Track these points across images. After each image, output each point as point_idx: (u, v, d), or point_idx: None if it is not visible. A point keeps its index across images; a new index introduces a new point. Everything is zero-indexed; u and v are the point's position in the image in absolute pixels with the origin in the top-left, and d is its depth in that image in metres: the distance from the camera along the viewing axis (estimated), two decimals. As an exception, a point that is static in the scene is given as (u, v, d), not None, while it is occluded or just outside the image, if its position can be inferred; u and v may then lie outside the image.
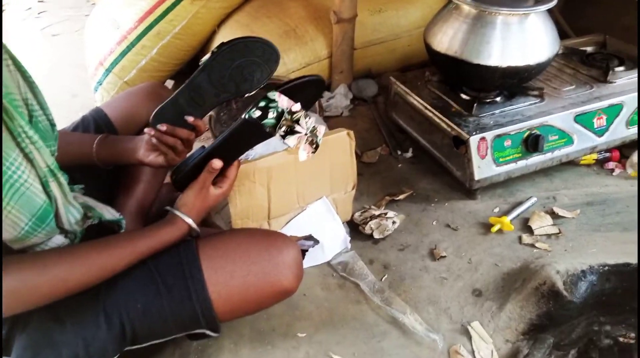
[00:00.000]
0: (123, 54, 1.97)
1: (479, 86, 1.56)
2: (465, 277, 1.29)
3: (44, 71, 2.36)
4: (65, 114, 2.00)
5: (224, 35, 2.03)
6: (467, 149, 1.45)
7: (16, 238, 0.80)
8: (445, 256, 1.34)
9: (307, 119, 0.95)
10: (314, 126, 0.97)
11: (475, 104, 1.53)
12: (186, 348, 1.13)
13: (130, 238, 0.91)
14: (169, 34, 1.96)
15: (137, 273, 0.91)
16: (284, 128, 0.93)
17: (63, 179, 0.87)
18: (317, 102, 1.72)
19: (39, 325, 0.85)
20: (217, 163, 0.97)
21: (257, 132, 0.95)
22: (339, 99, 1.96)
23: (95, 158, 1.11)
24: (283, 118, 0.92)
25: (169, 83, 2.05)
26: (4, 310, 0.76)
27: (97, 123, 1.26)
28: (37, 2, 2.99)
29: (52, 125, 0.92)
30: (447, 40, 1.50)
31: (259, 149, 1.51)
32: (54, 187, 0.85)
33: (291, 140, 0.95)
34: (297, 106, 0.93)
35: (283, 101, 0.93)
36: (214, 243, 0.96)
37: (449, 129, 1.51)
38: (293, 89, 0.97)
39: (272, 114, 0.92)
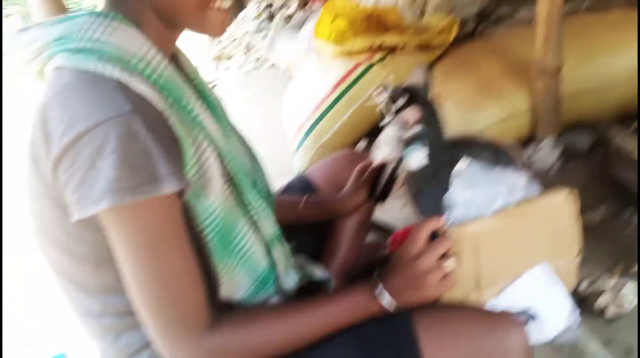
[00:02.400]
0: (319, 119, 2.08)
1: None
2: None
3: (248, 136, 2.58)
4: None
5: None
6: None
7: (241, 299, 0.83)
8: None
9: None
10: None
11: None
12: None
13: (329, 304, 0.81)
14: (360, 98, 2.03)
15: (348, 344, 0.82)
16: None
17: (286, 247, 0.89)
18: (520, 160, 1.59)
19: None
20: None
21: None
22: (544, 153, 1.79)
23: (300, 216, 1.13)
24: None
25: (362, 143, 2.10)
26: None
27: (302, 188, 1.30)
28: (243, 75, 3.36)
29: (269, 193, 0.95)
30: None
31: (461, 213, 1.43)
32: (277, 252, 0.87)
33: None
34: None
35: None
36: (432, 321, 0.84)
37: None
38: None
39: None
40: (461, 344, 0.83)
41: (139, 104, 0.66)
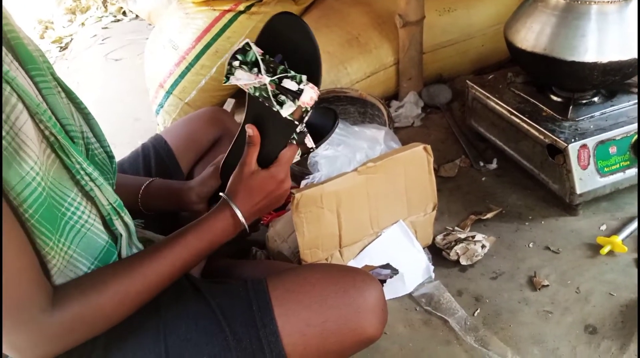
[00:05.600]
0: (182, 75, 1.93)
1: (574, 85, 1.37)
2: (575, 310, 1.10)
3: (108, 96, 2.37)
4: (128, 139, 1.97)
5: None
6: (565, 158, 1.26)
7: None
8: (547, 285, 1.16)
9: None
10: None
11: (570, 107, 1.34)
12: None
13: (179, 236, 0.81)
14: (227, 51, 1.90)
15: (202, 321, 0.81)
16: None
17: (128, 218, 0.79)
18: (385, 114, 1.58)
19: None
20: (249, 130, 0.84)
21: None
22: (408, 108, 1.81)
23: (140, 206, 1.03)
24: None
25: (230, 102, 1.98)
26: (75, 340, 0.70)
27: (156, 151, 1.21)
28: (102, 29, 3.04)
29: (110, 157, 0.85)
30: (533, 36, 1.32)
31: (325, 170, 1.40)
32: (118, 225, 0.78)
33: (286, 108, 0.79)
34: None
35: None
36: (286, 284, 0.85)
37: (541, 137, 1.32)
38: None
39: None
40: (315, 311, 0.83)
41: None
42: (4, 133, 0.60)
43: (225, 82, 0.81)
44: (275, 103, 0.79)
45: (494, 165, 1.54)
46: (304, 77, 0.78)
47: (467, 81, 1.58)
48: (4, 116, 0.61)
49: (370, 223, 1.21)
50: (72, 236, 0.70)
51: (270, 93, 0.79)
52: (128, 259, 0.79)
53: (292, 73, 0.79)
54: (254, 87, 0.80)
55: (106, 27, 3.07)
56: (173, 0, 2.30)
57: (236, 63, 0.80)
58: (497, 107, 1.46)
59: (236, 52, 0.80)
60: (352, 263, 1.22)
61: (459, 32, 1.88)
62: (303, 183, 1.33)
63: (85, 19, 3.24)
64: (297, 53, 0.80)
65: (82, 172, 0.71)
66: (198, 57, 1.90)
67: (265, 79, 0.78)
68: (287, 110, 0.79)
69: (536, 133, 1.34)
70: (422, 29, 1.77)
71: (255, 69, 0.79)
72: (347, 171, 1.18)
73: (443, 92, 1.86)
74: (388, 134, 1.42)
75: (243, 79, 0.80)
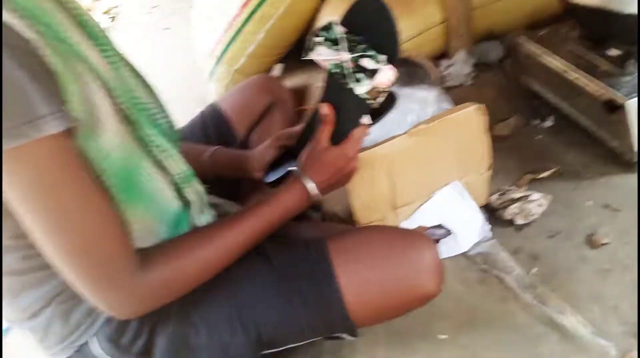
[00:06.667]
0: (231, 42, 1.95)
1: (631, 39, 1.31)
2: (635, 269, 1.09)
3: (158, 66, 2.42)
4: (181, 107, 2.02)
5: (329, 11, 1.92)
6: (624, 114, 1.22)
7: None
8: (606, 244, 1.15)
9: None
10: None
11: (628, 61, 1.29)
12: (319, 347, 1.09)
13: (255, 208, 0.85)
14: (272, 17, 1.90)
15: (267, 280, 0.86)
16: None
17: (199, 185, 0.84)
18: (435, 74, 1.57)
19: (177, 330, 0.83)
20: (324, 108, 0.87)
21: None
22: (458, 66, 1.77)
23: (204, 169, 1.08)
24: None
25: (277, 67, 2.00)
26: (158, 302, 0.75)
27: (213, 119, 1.25)
28: (148, -2, 3.09)
29: (172, 127, 0.89)
30: (591, -13, 1.27)
31: (375, 134, 1.40)
32: (190, 193, 0.83)
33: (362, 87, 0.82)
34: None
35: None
36: (346, 246, 0.89)
37: (599, 92, 1.28)
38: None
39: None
40: (375, 271, 0.87)
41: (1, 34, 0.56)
42: (80, 109, 0.64)
43: (304, 57, 0.84)
44: (352, 80, 0.81)
45: (549, 123, 1.51)
46: (384, 58, 0.80)
47: (520, 37, 1.53)
48: (79, 93, 0.64)
49: (424, 185, 1.23)
50: (147, 203, 0.75)
51: (349, 70, 0.81)
52: (208, 228, 0.84)
53: (372, 52, 0.80)
54: (334, 64, 0.83)
55: (153, -5, 3.11)
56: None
57: (318, 39, 0.83)
58: (553, 63, 1.42)
59: (319, 29, 0.84)
60: (405, 224, 1.24)
61: (509, -15, 1.81)
62: (355, 146, 1.35)
63: (131, -11, 3.29)
64: (378, 35, 0.82)
65: (152, 143, 0.76)
66: (245, 23, 1.91)
67: (346, 56, 0.81)
68: (363, 88, 0.81)
69: (594, 89, 1.29)
70: (471, -16, 1.72)
71: (337, 47, 0.82)
72: (399, 133, 1.19)
73: (494, 49, 1.81)
74: (439, 94, 1.41)
75: (324, 54, 0.83)
